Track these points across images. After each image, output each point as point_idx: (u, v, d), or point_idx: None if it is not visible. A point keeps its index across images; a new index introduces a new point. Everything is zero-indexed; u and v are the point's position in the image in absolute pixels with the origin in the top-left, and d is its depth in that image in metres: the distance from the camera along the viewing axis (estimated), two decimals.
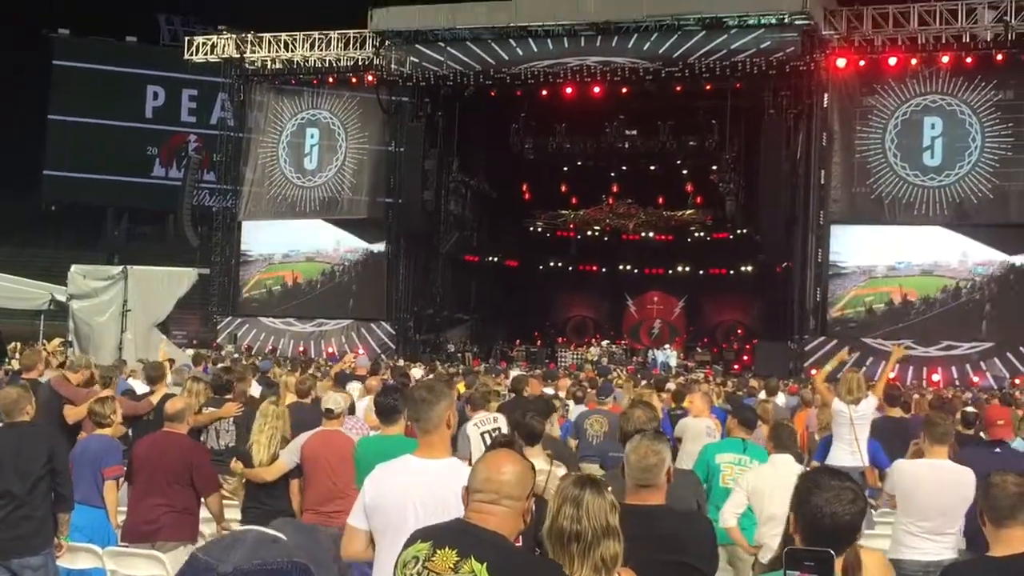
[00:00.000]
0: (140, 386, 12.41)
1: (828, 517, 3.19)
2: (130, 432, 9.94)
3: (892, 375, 13.43)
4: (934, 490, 7.00)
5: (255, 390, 12.31)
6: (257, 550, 1.70)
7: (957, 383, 28.46)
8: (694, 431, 10.52)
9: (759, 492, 7.23)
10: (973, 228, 31.25)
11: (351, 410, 10.45)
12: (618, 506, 3.63)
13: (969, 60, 30.82)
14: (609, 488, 3.69)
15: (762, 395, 15.74)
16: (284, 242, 39.15)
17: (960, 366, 30.20)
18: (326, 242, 38.66)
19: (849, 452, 9.82)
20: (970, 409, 11.71)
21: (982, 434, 9.19)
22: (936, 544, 7.03)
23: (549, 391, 14.64)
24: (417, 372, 18.53)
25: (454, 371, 23.22)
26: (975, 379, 29.19)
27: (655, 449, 4.56)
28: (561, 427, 12.37)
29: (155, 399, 10.76)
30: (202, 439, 9.78)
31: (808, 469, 7.25)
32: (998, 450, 8.24)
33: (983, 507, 4.13)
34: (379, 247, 37.93)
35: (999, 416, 8.72)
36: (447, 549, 3.43)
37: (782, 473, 7.19)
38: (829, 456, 9.94)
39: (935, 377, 29.48)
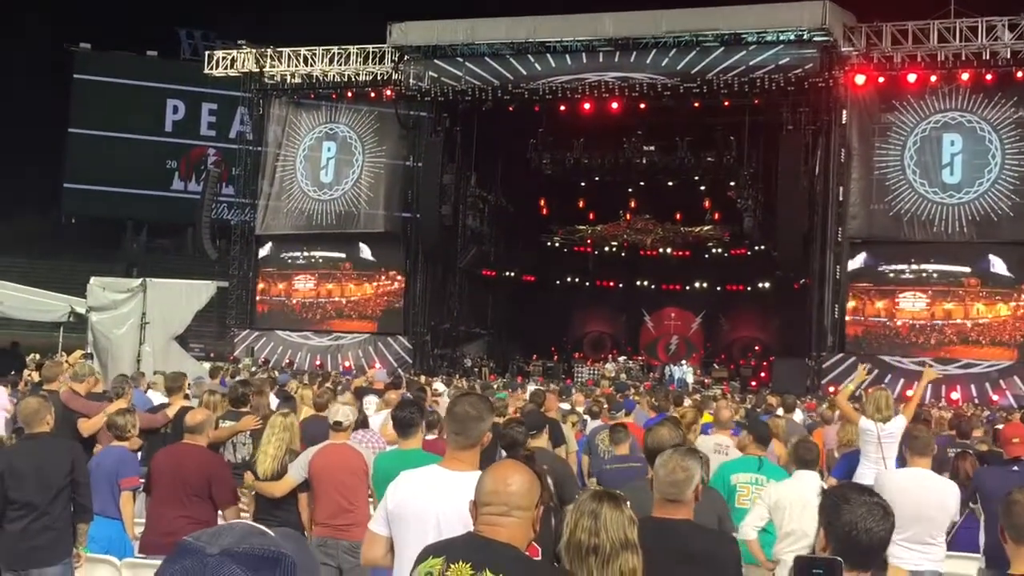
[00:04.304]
0: (159, 398, 12.41)
1: (864, 533, 3.25)
2: (144, 444, 9.93)
3: (910, 394, 13.34)
4: (911, 499, 6.98)
5: (273, 403, 12.27)
6: (246, 537, 1.78)
7: (976, 401, 28.28)
8: (703, 448, 10.40)
9: (780, 507, 7.21)
10: (992, 245, 31.08)
11: (364, 423, 10.44)
12: (636, 520, 3.61)
13: (989, 77, 30.74)
14: (628, 503, 3.67)
15: (780, 412, 15.66)
16: (303, 255, 39.30)
17: (979, 384, 29.99)
18: (343, 256, 38.76)
19: (875, 470, 9.74)
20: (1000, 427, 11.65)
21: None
22: (917, 554, 7.04)
23: (566, 406, 14.61)
24: (440, 386, 18.46)
25: (471, 386, 23.19)
26: (995, 397, 28.99)
27: (684, 465, 4.56)
28: (578, 441, 12.40)
29: (171, 412, 10.74)
30: (220, 451, 9.75)
31: (829, 486, 7.24)
32: (1015, 468, 8.22)
33: (1004, 524, 4.10)
34: (397, 261, 38.00)
35: (1015, 434, 8.74)
36: (461, 563, 3.40)
37: (804, 490, 7.17)
38: (856, 474, 9.85)
39: (954, 395, 29.25)
